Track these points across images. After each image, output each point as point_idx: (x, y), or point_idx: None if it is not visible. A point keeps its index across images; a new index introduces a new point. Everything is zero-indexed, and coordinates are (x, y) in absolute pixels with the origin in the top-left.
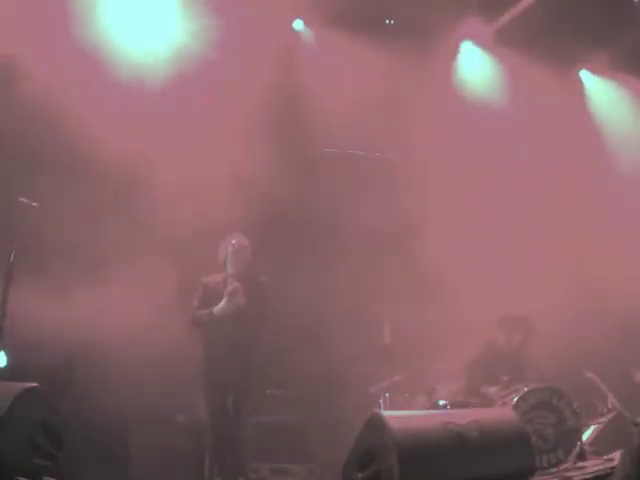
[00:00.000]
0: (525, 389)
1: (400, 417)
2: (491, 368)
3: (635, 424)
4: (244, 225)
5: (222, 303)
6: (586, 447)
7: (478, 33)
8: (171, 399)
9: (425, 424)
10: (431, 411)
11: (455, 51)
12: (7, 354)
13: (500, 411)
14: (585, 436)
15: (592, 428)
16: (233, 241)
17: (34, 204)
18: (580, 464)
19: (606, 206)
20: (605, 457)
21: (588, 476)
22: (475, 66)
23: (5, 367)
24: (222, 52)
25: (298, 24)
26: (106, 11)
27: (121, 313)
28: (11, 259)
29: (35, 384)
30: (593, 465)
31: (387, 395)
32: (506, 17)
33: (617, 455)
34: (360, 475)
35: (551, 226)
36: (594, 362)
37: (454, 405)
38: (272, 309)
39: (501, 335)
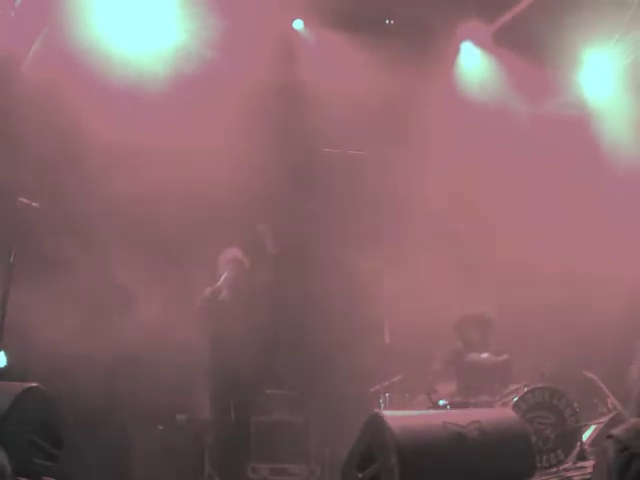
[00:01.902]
0: (525, 389)
1: (400, 417)
2: (473, 377)
3: (609, 436)
4: (244, 226)
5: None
6: (586, 447)
7: (478, 33)
8: (171, 399)
9: (425, 424)
10: (431, 411)
11: (455, 51)
12: (7, 354)
13: (500, 411)
14: (585, 436)
15: (592, 428)
16: (227, 254)
17: (34, 204)
18: (580, 464)
19: (608, 206)
20: None
21: (588, 476)
22: (475, 66)
23: (5, 367)
24: (221, 52)
25: (298, 24)
26: (105, 13)
27: (121, 313)
28: (11, 259)
29: (35, 384)
30: (593, 465)
31: (387, 395)
32: (505, 17)
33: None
34: (360, 475)
35: (550, 224)
36: (594, 362)
37: (454, 405)
38: (267, 316)
39: (458, 340)
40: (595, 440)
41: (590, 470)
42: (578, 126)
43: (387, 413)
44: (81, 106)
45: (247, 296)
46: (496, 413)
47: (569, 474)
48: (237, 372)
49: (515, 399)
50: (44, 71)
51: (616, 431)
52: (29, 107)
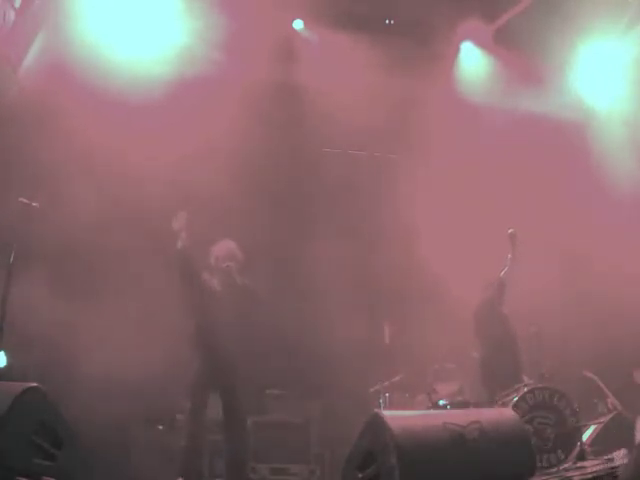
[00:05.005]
0: (525, 389)
1: (400, 417)
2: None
3: None
4: (242, 225)
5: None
6: (586, 447)
7: (478, 33)
8: (171, 399)
9: (425, 424)
10: (431, 411)
11: (455, 51)
12: (7, 354)
13: (500, 411)
14: (585, 436)
15: (592, 428)
16: (221, 247)
17: (34, 204)
18: (580, 464)
19: (608, 207)
20: (605, 457)
21: (588, 476)
22: (475, 66)
23: (5, 367)
24: (221, 52)
25: (298, 24)
26: (102, 17)
27: (121, 313)
28: (11, 259)
29: (35, 384)
30: (593, 465)
31: (387, 395)
32: (505, 17)
33: (617, 455)
34: (360, 475)
35: (552, 225)
36: (594, 362)
37: (454, 405)
38: (260, 311)
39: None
40: (595, 440)
41: (590, 470)
42: (579, 126)
43: (387, 413)
44: (80, 111)
45: (237, 292)
46: (496, 413)
47: (569, 474)
48: (217, 368)
49: (515, 399)
50: (42, 76)
51: None
52: (26, 112)
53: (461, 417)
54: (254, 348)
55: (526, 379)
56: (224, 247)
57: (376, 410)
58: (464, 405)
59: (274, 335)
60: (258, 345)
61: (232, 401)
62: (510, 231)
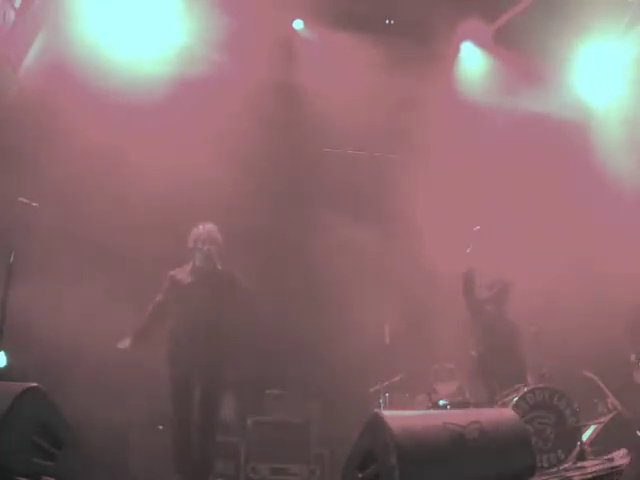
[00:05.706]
0: (525, 389)
1: (400, 417)
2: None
3: None
4: (242, 225)
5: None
6: (586, 447)
7: (478, 33)
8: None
9: (425, 424)
10: (431, 411)
11: (455, 51)
12: (7, 354)
13: (500, 411)
14: (585, 436)
15: (592, 428)
16: (202, 229)
17: (34, 204)
18: (580, 464)
19: (609, 207)
20: (605, 457)
21: (588, 476)
22: (475, 66)
23: (5, 367)
24: (221, 53)
25: (298, 24)
26: (101, 17)
27: (121, 313)
28: (11, 259)
29: (35, 384)
30: (593, 465)
31: (387, 395)
32: (505, 17)
33: (617, 455)
34: (360, 475)
35: (552, 226)
36: (594, 362)
37: (454, 405)
38: (249, 297)
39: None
40: (595, 440)
41: (590, 470)
42: (579, 126)
43: (387, 413)
44: (79, 111)
45: (216, 276)
46: (496, 413)
47: (569, 474)
48: (200, 360)
49: (515, 399)
50: (42, 76)
51: None
52: (26, 112)
53: (461, 417)
54: (250, 343)
55: (529, 379)
56: (205, 229)
57: (376, 410)
58: (464, 405)
59: (270, 334)
60: (258, 340)
61: (210, 396)
62: (476, 228)
